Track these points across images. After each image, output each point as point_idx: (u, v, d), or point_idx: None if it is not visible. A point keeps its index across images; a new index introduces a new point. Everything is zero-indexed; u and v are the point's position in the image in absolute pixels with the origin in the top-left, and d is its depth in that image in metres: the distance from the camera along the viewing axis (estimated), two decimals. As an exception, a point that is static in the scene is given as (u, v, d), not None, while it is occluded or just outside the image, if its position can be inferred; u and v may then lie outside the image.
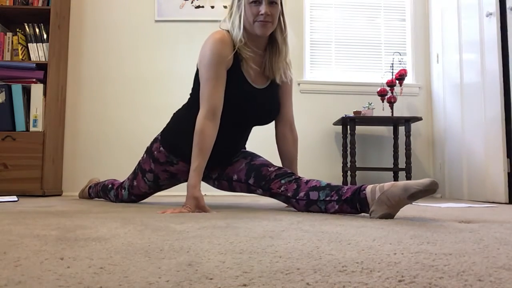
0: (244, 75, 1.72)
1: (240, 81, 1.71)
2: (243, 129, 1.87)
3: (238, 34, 1.68)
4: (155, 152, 1.92)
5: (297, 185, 1.60)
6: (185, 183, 2.09)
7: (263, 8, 1.63)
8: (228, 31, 1.73)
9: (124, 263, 0.63)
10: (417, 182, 1.28)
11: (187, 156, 1.85)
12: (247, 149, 1.99)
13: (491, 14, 2.70)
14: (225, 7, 3.67)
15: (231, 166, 1.86)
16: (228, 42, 1.68)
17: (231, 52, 1.68)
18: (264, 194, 1.72)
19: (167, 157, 1.89)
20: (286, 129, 1.91)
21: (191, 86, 1.85)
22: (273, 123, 1.93)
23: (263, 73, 1.79)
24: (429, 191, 1.27)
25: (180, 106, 1.96)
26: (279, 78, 1.80)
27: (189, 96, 1.88)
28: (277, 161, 1.93)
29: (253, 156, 1.86)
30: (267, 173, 1.70)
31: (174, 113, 1.96)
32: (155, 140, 1.96)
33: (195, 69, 1.81)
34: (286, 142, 1.90)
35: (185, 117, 1.86)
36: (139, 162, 2.04)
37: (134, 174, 2.05)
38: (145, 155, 1.99)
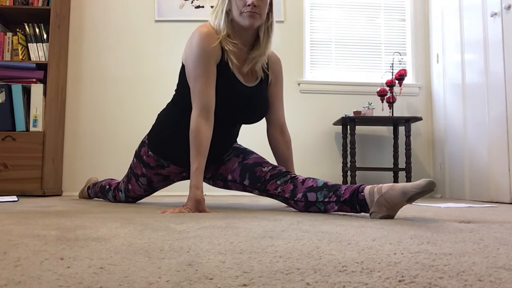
0: (232, 71, 1.67)
1: (229, 77, 1.67)
2: (231, 127, 1.81)
3: (221, 24, 1.64)
4: (144, 157, 1.89)
5: (294, 185, 1.58)
6: (180, 183, 2.10)
7: None
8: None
9: (124, 263, 0.63)
10: (414, 185, 1.28)
11: (176, 158, 1.83)
12: (240, 145, 1.95)
13: (495, 14, 2.69)
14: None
15: (224, 165, 1.82)
16: (214, 35, 1.64)
17: (219, 46, 1.64)
18: (261, 194, 1.70)
19: (157, 161, 1.86)
20: (276, 131, 1.86)
21: None
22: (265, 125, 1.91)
23: (252, 71, 1.74)
24: (426, 192, 1.27)
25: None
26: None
27: (174, 93, 1.84)
28: (273, 159, 1.91)
29: (245, 153, 1.81)
30: (262, 174, 1.67)
31: (159, 114, 1.90)
32: (143, 144, 1.92)
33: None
34: (277, 145, 1.86)
35: (170, 117, 1.82)
36: (130, 166, 2.01)
37: (128, 178, 2.03)
38: (135, 160, 1.96)
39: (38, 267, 0.59)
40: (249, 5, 1.59)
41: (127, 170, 2.07)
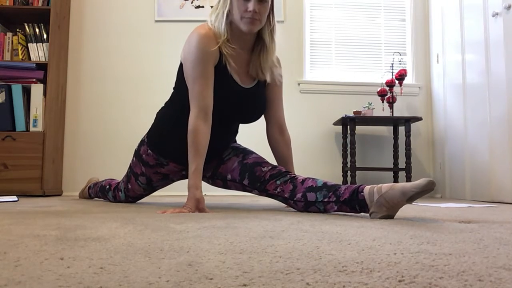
0: (230, 73, 1.68)
1: (226, 79, 1.67)
2: (228, 126, 1.81)
3: (221, 28, 1.63)
4: (144, 156, 1.90)
5: (293, 185, 1.58)
6: (180, 183, 2.10)
7: (251, 5, 1.57)
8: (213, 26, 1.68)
9: (124, 263, 0.63)
10: (414, 185, 1.28)
11: (176, 156, 1.83)
12: (239, 144, 1.95)
13: (497, 14, 2.69)
14: (225, 7, 3.67)
15: (224, 165, 1.83)
16: (213, 38, 1.63)
17: (217, 48, 1.63)
18: (260, 194, 1.70)
19: (157, 159, 1.87)
20: (275, 131, 1.86)
21: None
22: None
23: (249, 72, 1.74)
24: (426, 191, 1.28)
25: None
26: (269, 78, 1.75)
27: (172, 91, 1.84)
28: (273, 159, 1.91)
29: (245, 153, 1.81)
30: (261, 174, 1.67)
31: (157, 113, 1.91)
32: (142, 142, 1.92)
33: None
34: (277, 144, 1.86)
35: (168, 116, 1.83)
36: (130, 165, 2.01)
37: (128, 177, 2.03)
38: (134, 159, 1.96)
39: (38, 267, 0.59)
40: (250, 11, 1.58)
41: (127, 170, 2.07)
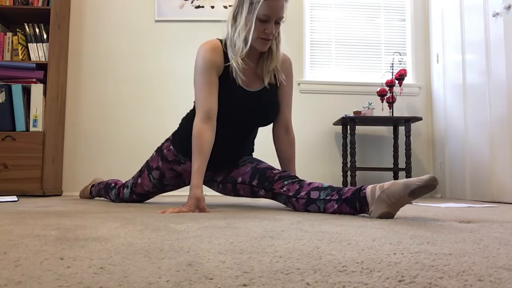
0: (235, 81, 1.74)
1: (232, 87, 1.74)
2: (243, 132, 1.88)
3: (241, 48, 1.69)
4: (165, 150, 1.98)
5: (300, 185, 1.62)
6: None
7: (270, 28, 1.65)
8: (220, 40, 1.76)
9: (124, 263, 0.63)
10: (417, 179, 1.28)
11: None
12: (254, 156, 2.02)
13: (497, 14, 2.69)
14: (225, 7, 3.67)
15: (236, 170, 1.89)
16: (219, 50, 1.73)
17: (222, 59, 1.72)
18: (266, 195, 1.74)
19: (176, 156, 1.94)
20: (281, 131, 1.93)
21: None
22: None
23: (256, 76, 1.81)
24: (429, 187, 1.26)
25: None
26: (267, 81, 1.81)
27: (193, 103, 1.92)
28: (276, 159, 1.93)
29: (259, 161, 1.89)
30: (271, 175, 1.73)
31: (182, 118, 2.01)
32: (167, 139, 2.02)
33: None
34: (281, 144, 1.92)
35: (191, 121, 1.89)
36: (147, 160, 2.08)
37: (140, 171, 2.10)
38: (154, 153, 2.05)
39: (38, 267, 0.59)
40: (266, 33, 1.67)
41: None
